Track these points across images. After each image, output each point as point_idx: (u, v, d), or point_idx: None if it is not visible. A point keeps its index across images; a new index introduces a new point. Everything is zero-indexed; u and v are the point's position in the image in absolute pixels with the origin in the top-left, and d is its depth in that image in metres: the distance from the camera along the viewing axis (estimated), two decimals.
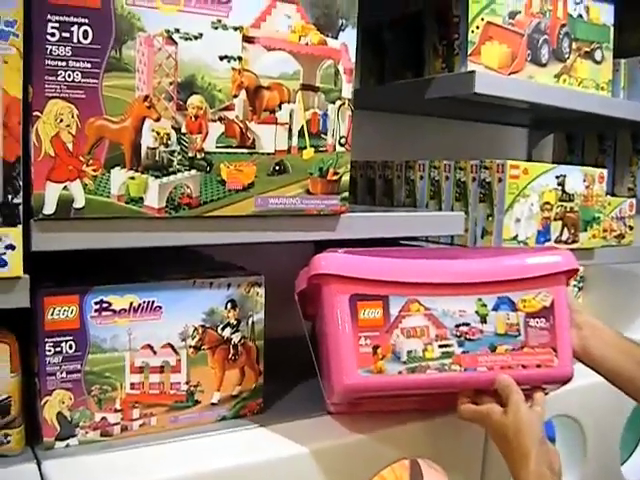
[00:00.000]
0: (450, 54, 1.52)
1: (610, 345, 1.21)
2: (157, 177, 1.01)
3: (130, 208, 1.00)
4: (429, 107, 1.64)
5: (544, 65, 1.59)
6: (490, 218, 1.48)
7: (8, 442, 1.03)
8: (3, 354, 1.02)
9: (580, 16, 1.66)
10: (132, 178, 0.99)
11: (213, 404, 1.20)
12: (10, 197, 0.92)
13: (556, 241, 1.57)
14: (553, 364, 1.18)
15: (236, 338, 1.20)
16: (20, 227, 0.93)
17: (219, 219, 1.07)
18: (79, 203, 0.96)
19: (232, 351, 1.20)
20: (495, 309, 1.18)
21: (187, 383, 1.16)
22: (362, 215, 1.24)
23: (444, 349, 1.15)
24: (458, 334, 1.15)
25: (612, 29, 1.72)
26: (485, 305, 1.17)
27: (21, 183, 0.93)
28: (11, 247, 0.93)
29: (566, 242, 1.60)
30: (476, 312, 1.17)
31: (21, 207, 0.93)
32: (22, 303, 0.95)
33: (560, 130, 2.25)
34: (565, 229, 1.59)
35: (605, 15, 1.71)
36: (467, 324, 1.16)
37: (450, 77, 1.48)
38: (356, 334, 1.12)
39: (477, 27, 1.46)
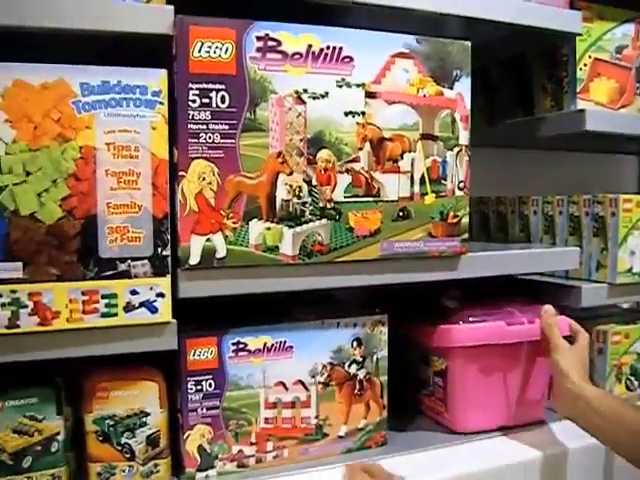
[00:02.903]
0: (559, 92, 1.55)
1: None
2: (291, 227, 1.09)
3: (267, 256, 1.08)
4: (539, 142, 1.67)
5: None
6: (604, 252, 1.50)
7: (158, 471, 1.13)
8: (153, 392, 1.11)
9: None
10: (268, 229, 1.07)
11: (340, 437, 1.26)
12: (160, 249, 1.02)
13: None
14: (445, 415, 1.36)
15: (362, 374, 1.26)
16: (169, 277, 1.03)
17: (348, 264, 1.14)
18: (221, 253, 1.05)
19: (358, 386, 1.26)
20: None
21: (316, 417, 1.23)
22: (481, 254, 1.29)
23: None
24: None
25: None
26: None
27: (169, 237, 1.02)
28: (161, 295, 1.02)
29: None
30: None
31: (169, 259, 1.03)
32: (171, 345, 1.05)
33: None
34: None
35: None
36: None
37: (561, 115, 1.52)
38: None
39: (585, 64, 1.50)
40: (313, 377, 1.21)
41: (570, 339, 1.32)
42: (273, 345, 1.17)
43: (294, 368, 1.20)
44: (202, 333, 1.13)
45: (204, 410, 1.13)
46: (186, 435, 1.13)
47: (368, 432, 1.28)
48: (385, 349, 1.28)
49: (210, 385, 1.13)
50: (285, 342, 1.18)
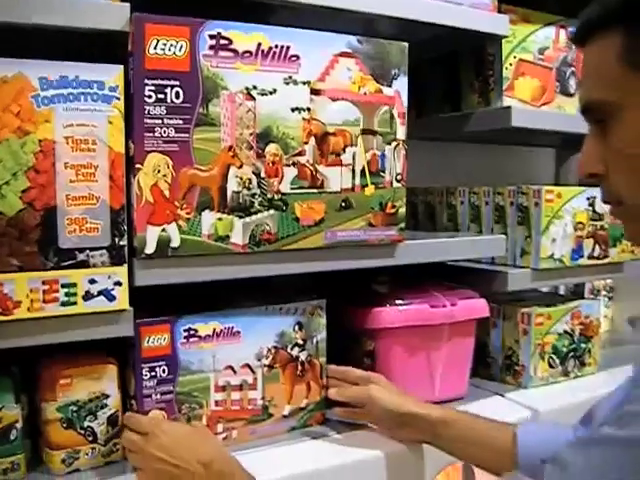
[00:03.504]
0: (486, 89, 1.64)
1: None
2: (241, 217, 1.14)
3: (218, 245, 1.13)
4: (466, 135, 1.75)
5: (572, 95, 1.70)
6: (528, 239, 1.60)
7: (117, 450, 1.17)
8: (112, 374, 1.16)
9: None
10: (220, 219, 1.12)
11: (284, 416, 1.31)
12: (117, 240, 1.06)
13: (589, 257, 1.68)
14: None
15: (303, 356, 1.32)
16: (126, 266, 1.07)
17: (294, 252, 1.20)
18: (175, 243, 1.09)
19: (300, 367, 1.32)
20: None
21: (262, 399, 1.28)
22: (417, 242, 1.36)
23: None
24: None
25: None
26: None
27: (125, 227, 1.06)
28: (118, 284, 1.06)
29: (598, 257, 1.71)
30: None
31: (126, 248, 1.07)
32: (128, 332, 1.10)
33: None
34: (597, 246, 1.70)
35: None
36: None
37: (488, 112, 1.61)
38: None
39: (510, 64, 1.59)
40: (259, 360, 1.27)
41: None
42: (222, 330, 1.22)
43: (242, 352, 1.25)
44: (156, 320, 1.16)
45: (158, 395, 1.16)
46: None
47: (310, 411, 1.34)
48: (324, 332, 1.34)
49: (164, 371, 1.16)
50: (233, 327, 1.23)
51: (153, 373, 1.16)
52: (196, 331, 1.20)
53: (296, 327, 1.31)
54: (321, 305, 1.34)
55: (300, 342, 1.32)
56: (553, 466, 0.79)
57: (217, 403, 1.23)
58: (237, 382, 1.25)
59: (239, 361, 1.25)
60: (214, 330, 1.21)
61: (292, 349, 1.31)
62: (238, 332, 1.24)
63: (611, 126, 0.77)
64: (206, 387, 1.22)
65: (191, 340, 1.19)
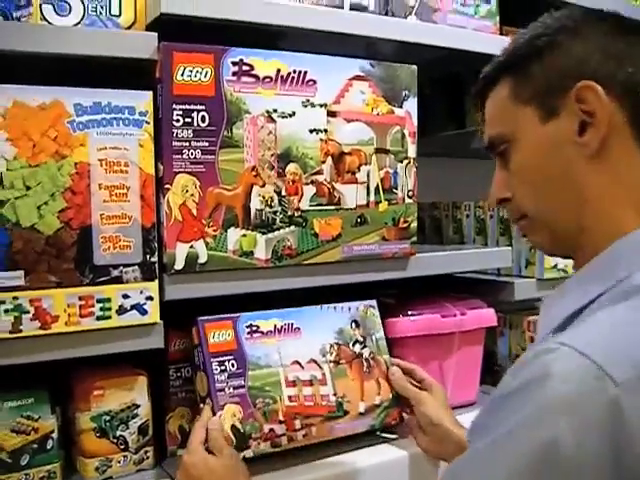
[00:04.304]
0: None
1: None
2: (264, 233, 1.20)
3: (243, 260, 1.19)
4: (471, 152, 1.81)
5: None
6: (532, 250, 1.66)
7: (148, 457, 1.23)
8: (142, 385, 1.21)
9: None
10: (244, 235, 1.18)
11: (361, 413, 1.31)
12: (148, 256, 1.12)
13: None
14: None
15: (366, 353, 1.35)
16: (156, 281, 1.13)
17: (314, 266, 1.26)
18: (203, 258, 1.15)
19: (365, 364, 1.35)
20: None
21: (335, 395, 1.29)
22: (428, 255, 1.43)
23: None
24: None
25: None
26: None
27: (156, 244, 1.12)
28: (150, 298, 1.12)
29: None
30: None
31: (157, 264, 1.13)
32: (159, 344, 1.15)
33: None
34: None
35: None
36: None
37: None
38: None
39: None
40: (324, 356, 1.30)
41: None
42: (282, 327, 1.26)
43: (305, 348, 1.28)
44: (219, 317, 1.21)
45: (231, 389, 1.18)
46: (218, 415, 1.16)
47: (385, 408, 1.34)
48: (381, 331, 1.39)
49: (233, 365, 1.19)
50: (292, 324, 1.27)
51: (223, 367, 1.18)
52: (258, 327, 1.23)
53: (353, 325, 1.35)
54: (372, 305, 1.39)
55: (360, 339, 1.35)
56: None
57: (290, 398, 1.24)
58: (306, 377, 1.27)
59: (304, 356, 1.28)
60: (275, 326, 1.25)
61: (354, 346, 1.34)
62: (298, 328, 1.28)
63: (510, 154, 0.90)
64: (277, 382, 1.23)
65: (255, 335, 1.23)
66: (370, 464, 1.28)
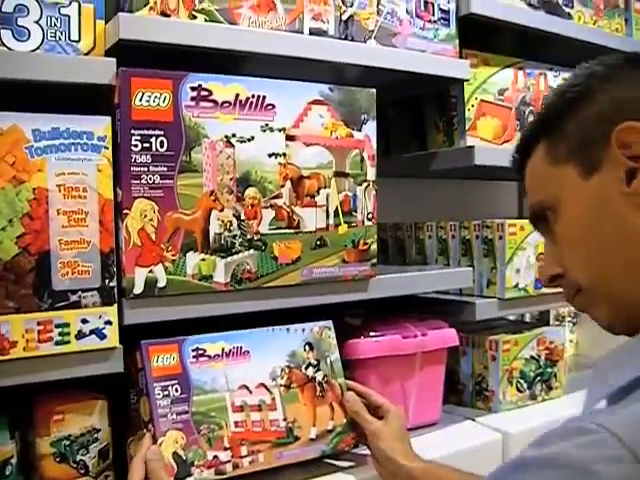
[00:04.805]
0: (450, 129, 1.72)
1: None
2: (223, 257, 1.21)
3: (202, 285, 1.19)
4: (431, 172, 1.84)
5: None
6: (494, 270, 1.68)
7: None
8: (102, 409, 1.21)
9: None
10: (203, 259, 1.19)
11: (312, 439, 1.30)
12: (107, 281, 1.12)
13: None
14: None
15: (319, 376, 1.34)
16: (115, 306, 1.13)
17: (273, 289, 1.27)
18: (161, 283, 1.16)
19: (319, 388, 1.33)
20: None
21: (284, 420, 1.27)
22: (388, 277, 1.44)
23: None
24: None
25: None
26: None
27: (115, 269, 1.13)
28: (109, 322, 1.12)
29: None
30: None
31: (115, 289, 1.13)
32: (118, 368, 1.15)
33: None
34: None
35: None
36: None
37: (452, 152, 1.70)
38: None
39: (472, 105, 1.68)
40: (274, 380, 1.28)
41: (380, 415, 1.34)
42: (230, 350, 1.24)
43: (254, 372, 1.26)
44: (163, 340, 1.20)
45: (174, 415, 1.16)
46: (159, 442, 1.14)
47: (338, 434, 1.33)
48: (336, 352, 1.38)
49: (177, 390, 1.18)
50: (241, 347, 1.25)
51: (166, 392, 1.17)
52: (204, 350, 1.22)
53: (306, 347, 1.34)
54: (328, 326, 1.38)
55: (313, 362, 1.34)
56: None
57: (237, 424, 1.22)
58: (254, 402, 1.25)
59: (253, 380, 1.26)
60: (222, 349, 1.24)
61: (306, 369, 1.33)
62: (247, 352, 1.26)
63: (554, 224, 0.84)
64: (223, 407, 1.22)
65: (201, 359, 1.21)
66: None
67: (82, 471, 1.18)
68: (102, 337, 1.12)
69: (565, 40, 1.78)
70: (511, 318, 2.03)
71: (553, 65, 1.86)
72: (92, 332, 1.11)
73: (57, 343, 1.08)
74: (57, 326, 1.08)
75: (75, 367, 1.10)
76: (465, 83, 1.65)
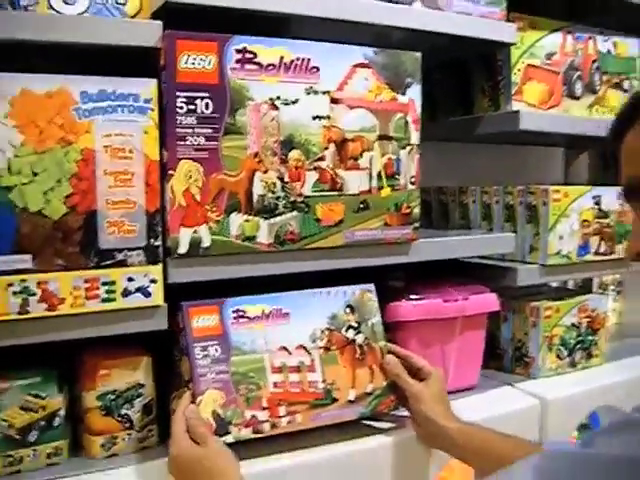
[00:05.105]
0: (496, 94, 1.71)
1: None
2: (266, 218, 1.22)
3: (246, 245, 1.21)
4: (477, 137, 1.82)
5: (578, 98, 1.78)
6: (537, 237, 1.67)
7: (152, 436, 1.26)
8: (147, 365, 1.25)
9: (609, 51, 1.84)
10: (247, 220, 1.20)
11: (350, 401, 1.30)
12: (152, 241, 1.14)
13: (595, 253, 1.75)
14: None
15: (360, 339, 1.34)
16: (160, 265, 1.15)
17: (316, 250, 1.28)
18: (206, 243, 1.18)
19: (359, 351, 1.33)
20: None
21: (323, 381, 1.28)
22: (430, 241, 1.45)
23: None
24: None
25: (638, 61, 1.90)
26: None
27: (160, 229, 1.15)
28: (154, 281, 1.15)
29: (604, 254, 1.77)
30: None
31: (161, 248, 1.15)
32: (162, 325, 1.18)
33: (594, 148, 2.41)
34: (602, 242, 1.77)
35: (631, 48, 1.90)
36: None
37: (497, 116, 1.69)
38: None
39: (519, 69, 1.66)
40: (314, 342, 1.29)
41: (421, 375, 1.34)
42: (271, 312, 1.26)
43: (293, 333, 1.27)
44: (204, 302, 1.22)
45: (213, 375, 1.18)
46: (198, 401, 1.16)
47: (377, 397, 1.33)
48: (378, 316, 1.38)
49: (216, 350, 1.19)
50: (281, 309, 1.27)
51: (206, 352, 1.19)
52: (245, 312, 1.24)
53: (347, 309, 1.34)
54: (370, 289, 1.38)
55: (354, 324, 1.34)
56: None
57: (275, 385, 1.24)
58: (294, 363, 1.26)
59: (293, 342, 1.27)
60: (263, 311, 1.25)
61: (347, 331, 1.33)
62: (287, 313, 1.27)
63: None
64: (262, 368, 1.23)
65: (241, 321, 1.23)
66: (356, 449, 1.30)
67: (127, 424, 1.22)
68: (147, 295, 1.14)
69: (616, 3, 1.74)
70: (553, 285, 2.02)
71: (603, 29, 1.83)
72: (137, 290, 1.13)
73: (103, 300, 1.11)
74: (103, 284, 1.10)
75: (121, 324, 1.13)
76: (512, 47, 1.63)
